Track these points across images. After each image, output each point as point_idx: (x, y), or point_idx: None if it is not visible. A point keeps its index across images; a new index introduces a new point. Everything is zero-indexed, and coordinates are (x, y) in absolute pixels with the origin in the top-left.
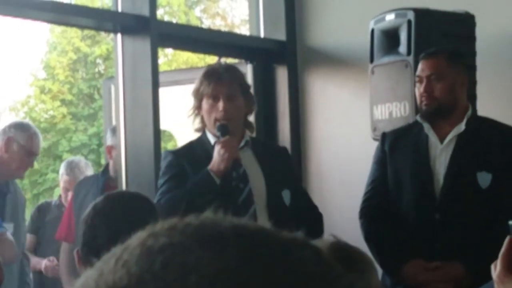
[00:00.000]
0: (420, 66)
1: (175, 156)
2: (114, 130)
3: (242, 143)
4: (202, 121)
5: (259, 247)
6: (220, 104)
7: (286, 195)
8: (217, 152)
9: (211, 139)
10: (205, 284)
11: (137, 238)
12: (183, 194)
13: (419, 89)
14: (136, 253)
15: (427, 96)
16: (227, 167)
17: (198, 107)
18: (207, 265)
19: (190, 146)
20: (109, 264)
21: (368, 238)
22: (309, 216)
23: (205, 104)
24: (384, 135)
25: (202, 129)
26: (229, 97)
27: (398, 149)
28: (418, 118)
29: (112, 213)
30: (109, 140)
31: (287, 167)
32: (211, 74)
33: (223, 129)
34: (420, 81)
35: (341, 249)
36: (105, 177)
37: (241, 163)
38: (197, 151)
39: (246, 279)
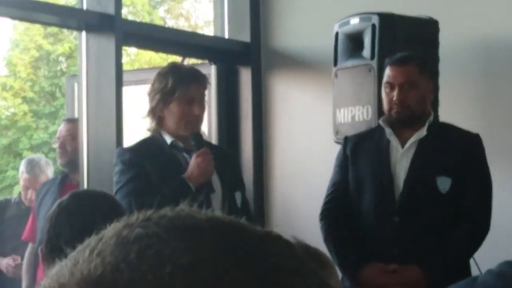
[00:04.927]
0: (391, 73)
1: (134, 153)
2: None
3: None
4: (160, 122)
5: (234, 239)
6: (196, 108)
7: (238, 197)
8: (196, 164)
9: (168, 139)
10: (180, 274)
11: (112, 229)
12: (159, 200)
13: (388, 95)
14: (111, 243)
15: (400, 104)
16: (205, 180)
17: (162, 108)
18: (182, 255)
19: (145, 144)
20: (84, 254)
21: (327, 240)
22: None
23: (177, 106)
24: (346, 139)
25: (158, 130)
26: (202, 100)
27: (360, 153)
28: (380, 122)
29: (77, 211)
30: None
31: (237, 170)
32: (190, 76)
33: (198, 139)
34: (391, 88)
35: (305, 248)
36: (63, 176)
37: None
38: (153, 149)
39: (220, 270)
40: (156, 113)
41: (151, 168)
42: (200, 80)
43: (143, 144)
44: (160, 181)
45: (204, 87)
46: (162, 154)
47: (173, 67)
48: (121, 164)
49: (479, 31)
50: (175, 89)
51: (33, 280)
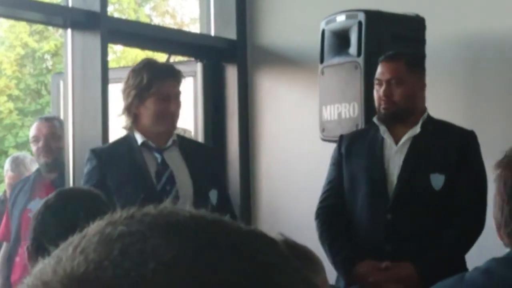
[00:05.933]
0: (379, 69)
1: (99, 161)
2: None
3: (170, 143)
4: (135, 119)
5: (217, 236)
6: (172, 105)
7: (213, 195)
8: None
9: (139, 139)
10: (163, 271)
11: (95, 227)
12: None
13: (378, 92)
14: (94, 241)
15: (386, 100)
16: None
17: (137, 105)
18: (165, 252)
19: (115, 146)
20: (67, 251)
21: (321, 238)
22: None
23: (152, 103)
24: (341, 138)
25: (132, 129)
26: (178, 97)
27: (354, 151)
28: (375, 120)
29: (63, 209)
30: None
31: (215, 167)
32: (165, 72)
33: None
34: (380, 84)
35: (293, 245)
36: (36, 175)
37: (173, 174)
38: (121, 151)
39: (203, 267)
40: (131, 110)
41: (111, 175)
42: (175, 76)
43: (111, 146)
44: (118, 191)
45: (179, 83)
46: (129, 155)
47: (147, 63)
48: (86, 171)
49: (466, 28)
50: (151, 85)
51: (6, 280)
